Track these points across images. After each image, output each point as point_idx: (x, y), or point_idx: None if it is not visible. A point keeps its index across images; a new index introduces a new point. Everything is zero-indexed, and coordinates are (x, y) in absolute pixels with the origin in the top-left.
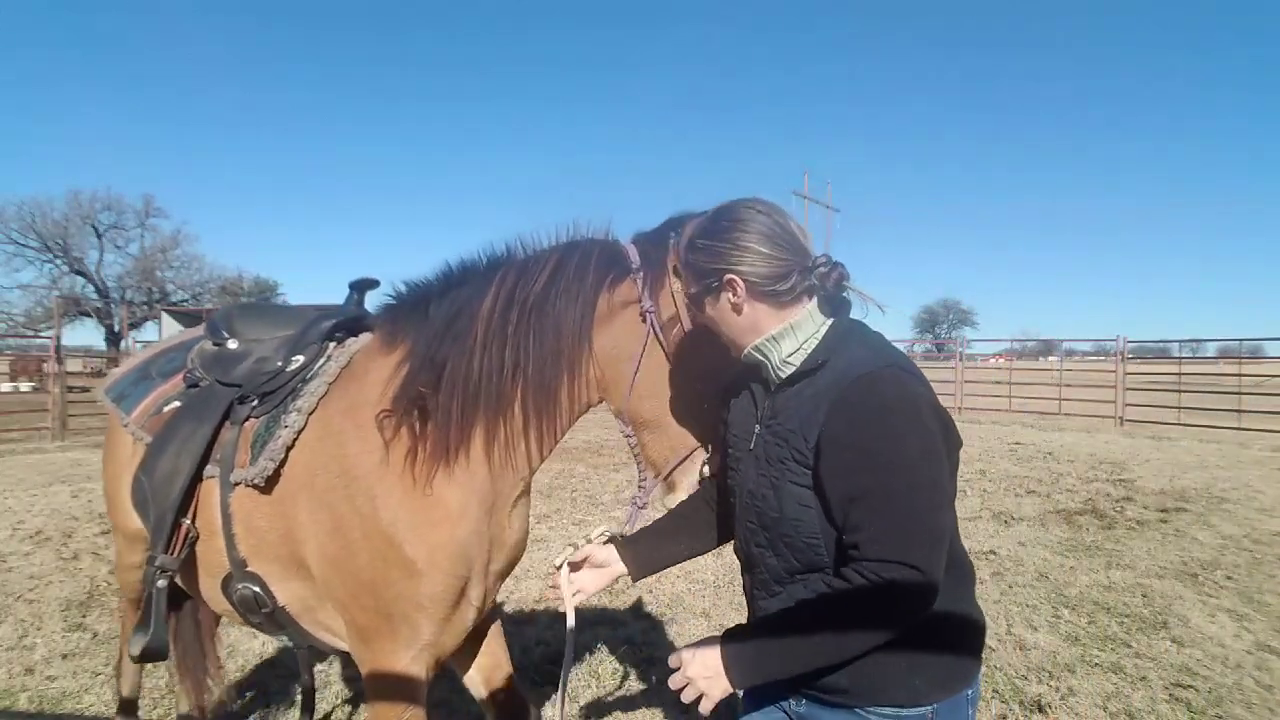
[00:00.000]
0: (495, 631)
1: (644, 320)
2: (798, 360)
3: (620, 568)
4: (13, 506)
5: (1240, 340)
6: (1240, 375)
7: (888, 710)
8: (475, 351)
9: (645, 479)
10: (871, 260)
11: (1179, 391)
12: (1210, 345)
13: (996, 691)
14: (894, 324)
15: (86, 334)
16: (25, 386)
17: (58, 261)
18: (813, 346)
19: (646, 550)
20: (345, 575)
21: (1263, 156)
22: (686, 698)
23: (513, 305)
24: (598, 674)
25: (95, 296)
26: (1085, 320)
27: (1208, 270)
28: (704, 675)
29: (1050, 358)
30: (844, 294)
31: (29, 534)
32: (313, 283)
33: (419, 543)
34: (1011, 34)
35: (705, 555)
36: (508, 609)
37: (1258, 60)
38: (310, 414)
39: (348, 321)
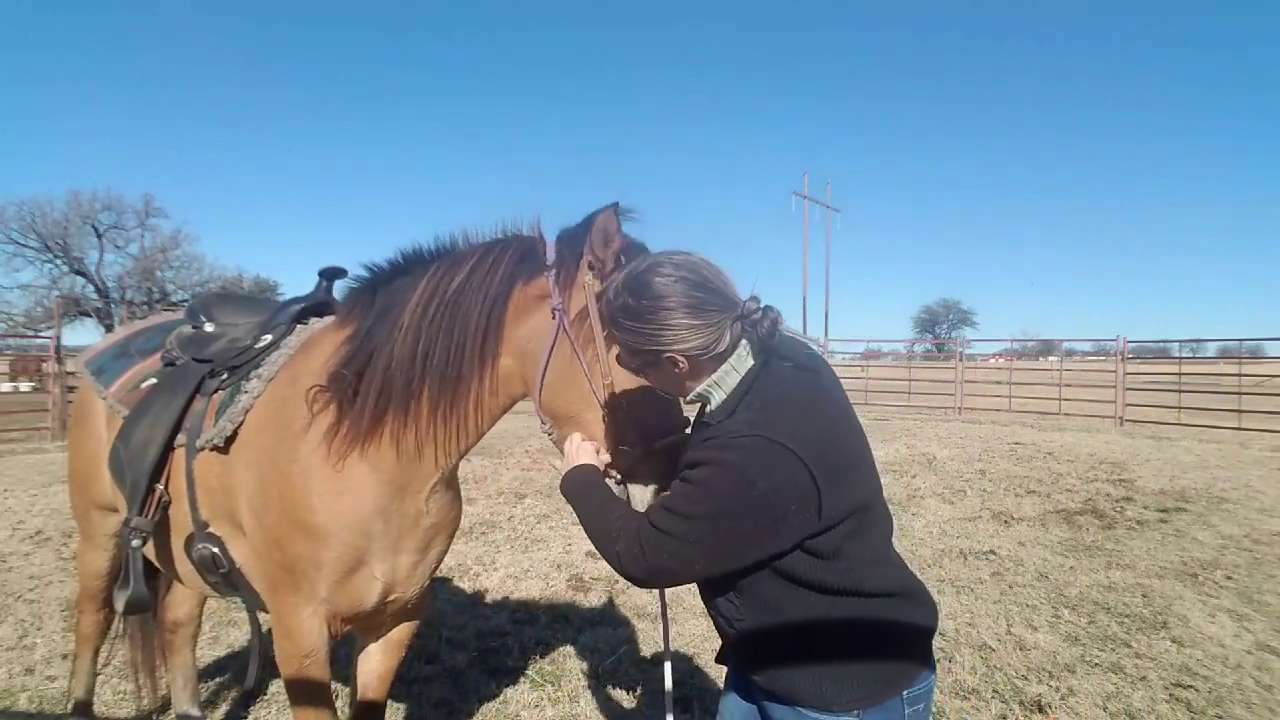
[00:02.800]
0: (398, 642)
1: (554, 317)
2: (718, 409)
3: None
4: (13, 506)
5: (1240, 340)
6: (1240, 375)
7: (810, 712)
8: (395, 341)
9: None
10: (872, 260)
11: (1179, 391)
12: (1210, 345)
13: (996, 691)
14: (894, 324)
15: (86, 334)
16: (25, 386)
17: (58, 261)
18: (731, 394)
19: None
20: (262, 529)
21: (1263, 156)
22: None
23: (434, 299)
24: (598, 674)
25: (95, 296)
26: (1085, 320)
27: (1208, 270)
28: (569, 460)
29: (1050, 358)
30: (775, 337)
31: (29, 534)
32: (312, 283)
33: (322, 510)
34: (1012, 33)
35: None
36: (508, 609)
37: (1258, 59)
38: (270, 381)
39: (315, 306)
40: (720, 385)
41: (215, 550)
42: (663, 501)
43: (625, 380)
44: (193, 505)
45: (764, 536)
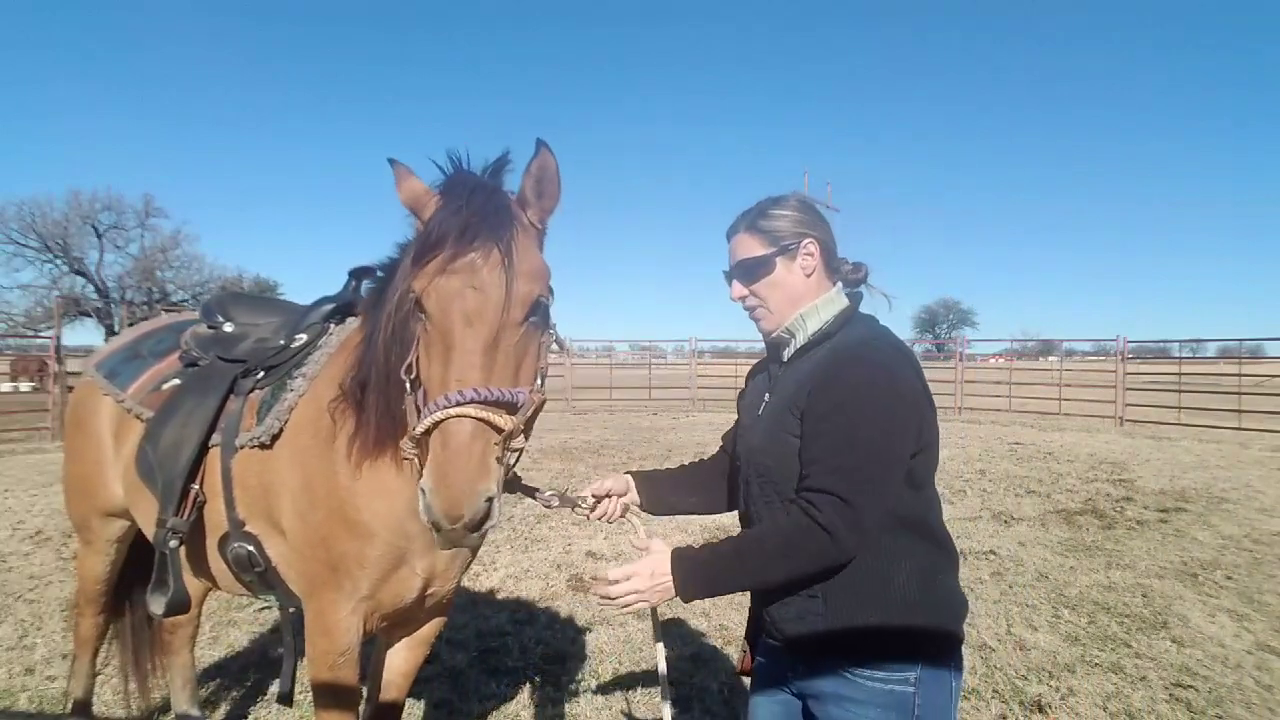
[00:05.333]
0: (425, 639)
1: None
2: (814, 335)
3: (636, 496)
4: (13, 506)
5: (1240, 340)
6: (1240, 375)
7: (869, 673)
8: (378, 354)
9: None
10: (871, 260)
11: (1179, 391)
12: (1210, 345)
13: (996, 691)
14: (894, 324)
15: (86, 334)
16: (25, 386)
17: (58, 261)
18: (828, 323)
19: (661, 489)
20: (306, 527)
21: (1263, 156)
22: (628, 607)
23: (401, 303)
24: (598, 674)
25: (95, 296)
26: (1085, 320)
27: (1208, 270)
28: (653, 586)
29: (1050, 358)
30: (861, 289)
31: (29, 534)
32: (313, 283)
33: (365, 509)
34: (1012, 33)
35: None
36: (508, 609)
37: (1258, 59)
38: (313, 380)
39: (345, 306)
40: (820, 311)
41: (250, 549)
42: (824, 450)
43: (421, 349)
44: (229, 504)
45: (911, 430)
